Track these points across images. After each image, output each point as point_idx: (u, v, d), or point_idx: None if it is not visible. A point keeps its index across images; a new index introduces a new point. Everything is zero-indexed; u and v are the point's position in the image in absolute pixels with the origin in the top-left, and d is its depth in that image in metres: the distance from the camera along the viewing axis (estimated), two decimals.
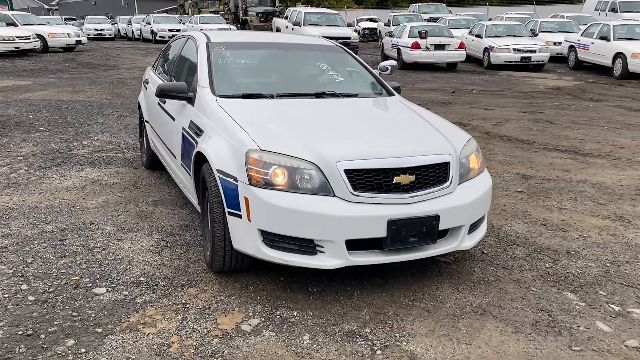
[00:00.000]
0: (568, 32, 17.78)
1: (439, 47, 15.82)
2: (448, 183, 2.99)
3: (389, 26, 24.48)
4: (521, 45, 15.94)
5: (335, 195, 2.77)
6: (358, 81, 4.35)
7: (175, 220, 4.07)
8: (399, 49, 16.51)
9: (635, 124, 8.29)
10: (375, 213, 2.76)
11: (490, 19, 23.92)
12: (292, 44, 4.59)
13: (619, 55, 13.99)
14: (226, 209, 2.89)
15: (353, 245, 2.78)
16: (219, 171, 2.94)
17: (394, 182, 2.83)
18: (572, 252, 3.64)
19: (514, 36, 16.73)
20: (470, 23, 21.14)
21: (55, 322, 2.66)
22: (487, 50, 16.42)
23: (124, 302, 2.88)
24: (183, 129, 3.69)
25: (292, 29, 19.08)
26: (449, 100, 10.60)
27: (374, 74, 4.41)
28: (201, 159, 3.23)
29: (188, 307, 2.84)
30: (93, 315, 2.74)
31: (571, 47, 16.26)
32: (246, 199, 2.78)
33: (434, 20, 24.23)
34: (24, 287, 3.00)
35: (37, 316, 2.71)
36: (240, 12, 27.51)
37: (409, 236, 2.81)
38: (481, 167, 3.32)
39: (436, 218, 2.85)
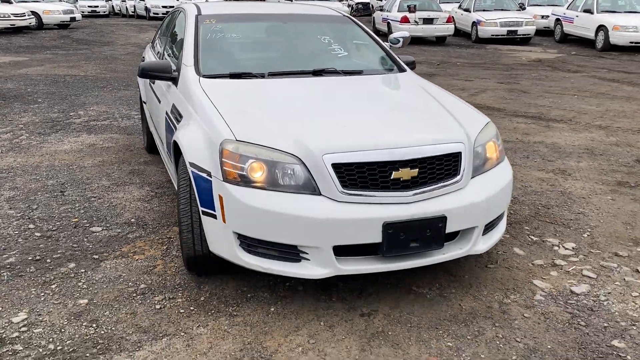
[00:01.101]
0: (556, 5, 18.05)
1: (428, 21, 16.14)
2: (458, 177, 2.57)
3: (382, 0, 24.69)
4: (508, 19, 16.25)
5: (321, 194, 2.39)
6: (365, 56, 3.91)
7: (164, 176, 4.54)
8: (388, 23, 16.83)
9: (604, 93, 8.73)
10: (368, 215, 2.36)
11: None
12: (292, 14, 4.10)
13: (601, 27, 14.33)
14: (200, 208, 2.56)
15: (343, 250, 2.42)
16: (192, 164, 2.59)
17: (392, 177, 2.42)
18: (512, 199, 4.14)
19: (502, 10, 17.03)
20: None
21: (58, 251, 3.16)
22: (475, 24, 16.72)
23: (117, 237, 3.38)
24: (166, 113, 3.36)
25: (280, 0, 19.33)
26: (432, 72, 11.00)
27: (384, 47, 3.94)
28: (179, 149, 2.87)
29: (172, 240, 3.33)
30: (90, 246, 3.24)
31: (557, 20, 16.57)
32: (220, 198, 2.44)
33: None
34: (31, 226, 3.50)
35: (43, 247, 3.21)
36: None
37: (410, 241, 2.42)
38: (500, 156, 2.88)
39: (442, 219, 2.45)
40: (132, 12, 28.61)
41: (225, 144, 2.48)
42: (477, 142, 2.72)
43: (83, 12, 26.54)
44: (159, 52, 4.49)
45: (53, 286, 2.77)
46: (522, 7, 18.13)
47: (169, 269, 2.97)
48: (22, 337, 2.36)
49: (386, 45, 4.05)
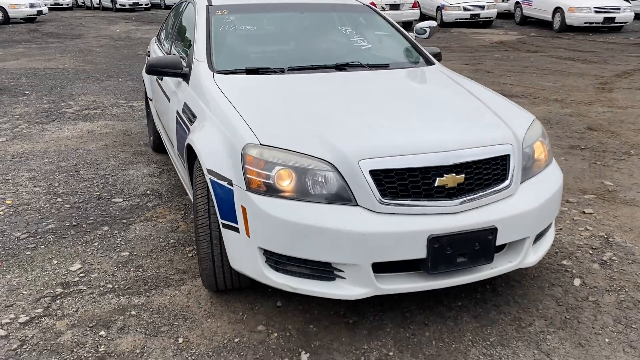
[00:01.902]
0: None
1: (394, 6, 16.68)
2: (507, 182, 2.34)
3: None
4: (471, 3, 16.94)
5: (358, 205, 2.16)
6: (390, 48, 3.66)
7: (166, 156, 4.97)
8: None
9: (560, 70, 9.45)
10: (412, 228, 2.13)
11: None
12: (309, 3, 3.86)
13: (557, 9, 15.16)
14: (220, 220, 2.33)
15: (381, 267, 2.20)
16: (211, 172, 2.35)
17: (436, 184, 2.19)
18: None
19: None
20: None
21: (90, 218, 3.60)
22: (439, 8, 17.37)
23: (138, 206, 3.82)
24: (177, 112, 3.12)
25: None
26: None
27: (409, 39, 3.72)
28: (193, 152, 2.65)
29: (188, 207, 3.79)
30: (117, 213, 3.68)
31: (517, 3, 17.36)
32: (243, 209, 2.20)
33: None
34: (59, 200, 3.91)
35: (76, 215, 3.64)
36: None
37: (457, 256, 2.19)
38: (548, 158, 2.64)
39: (492, 231, 2.21)
40: (97, 4, 28.31)
41: (248, 149, 2.23)
42: (525, 143, 2.46)
43: (46, 5, 26.19)
44: (166, 46, 4.26)
45: (95, 244, 3.22)
46: None
47: (191, 228, 3.44)
48: (82, 280, 2.82)
49: (411, 36, 3.84)
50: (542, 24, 16.44)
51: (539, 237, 2.53)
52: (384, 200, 2.16)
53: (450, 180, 2.21)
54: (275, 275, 2.24)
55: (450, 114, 2.59)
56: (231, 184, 2.27)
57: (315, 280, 2.21)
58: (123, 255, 3.09)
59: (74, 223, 3.51)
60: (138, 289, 2.74)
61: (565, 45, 12.63)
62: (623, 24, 14.72)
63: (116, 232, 3.40)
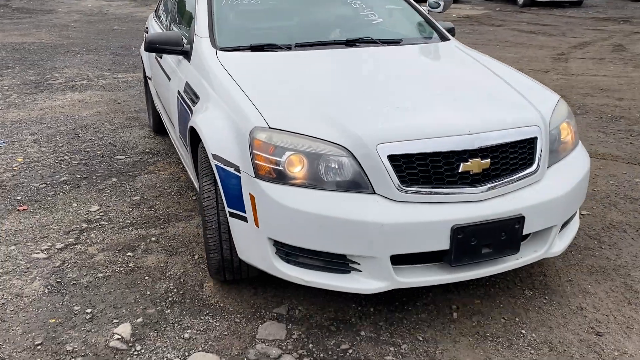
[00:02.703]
0: None
1: None
2: (535, 167, 2.21)
3: None
4: None
5: (375, 193, 2.03)
6: (402, 22, 3.47)
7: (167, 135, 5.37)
8: None
9: (522, 43, 10.05)
10: (434, 217, 2.00)
11: None
12: None
13: None
14: (227, 209, 2.21)
15: (400, 258, 2.07)
16: (216, 157, 2.22)
17: (460, 170, 2.05)
18: None
19: None
20: None
21: (98, 172, 4.01)
22: None
23: (140, 161, 4.24)
24: (178, 92, 2.98)
25: None
26: None
27: (422, 12, 3.54)
28: (197, 134, 2.51)
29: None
30: (122, 167, 4.10)
31: None
32: (252, 197, 2.08)
33: None
34: (66, 157, 4.30)
35: (84, 170, 4.05)
36: None
37: (482, 246, 2.07)
38: (575, 140, 2.51)
39: (520, 220, 2.09)
40: None
41: (256, 132, 2.10)
42: (551, 124, 2.33)
43: None
44: (165, 22, 4.09)
45: (108, 191, 3.66)
46: None
47: (192, 181, 3.89)
48: (103, 218, 3.26)
49: (424, 9, 3.70)
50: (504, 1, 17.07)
51: (564, 224, 2.38)
52: (403, 187, 2.01)
53: (475, 165, 2.05)
54: (287, 268, 2.12)
55: (473, 94, 2.44)
56: (238, 171, 2.13)
57: (329, 272, 2.09)
58: (135, 199, 3.53)
59: (85, 175, 3.93)
60: (153, 223, 3.20)
61: (528, 20, 13.26)
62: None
63: (124, 182, 3.83)
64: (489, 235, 2.05)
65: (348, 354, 2.14)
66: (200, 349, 2.15)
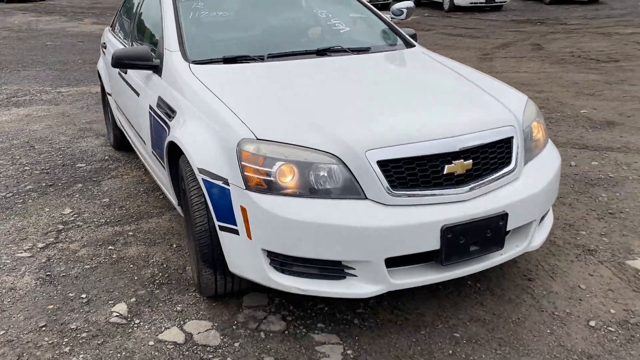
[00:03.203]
0: None
1: None
2: (513, 165, 2.31)
3: None
4: None
5: (367, 198, 2.08)
6: (367, 30, 3.52)
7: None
8: None
9: (450, 45, 10.76)
10: (425, 219, 2.07)
11: None
12: None
13: None
14: (216, 222, 2.20)
15: (393, 261, 2.12)
16: (203, 171, 2.22)
17: (445, 172, 2.13)
18: None
19: None
20: None
21: (63, 179, 4.14)
22: None
23: (101, 168, 4.39)
24: (150, 107, 2.96)
25: None
26: None
27: (386, 20, 3.61)
28: (176, 149, 2.53)
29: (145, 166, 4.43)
30: (85, 174, 4.24)
31: None
32: (243, 209, 2.10)
33: None
34: (27, 168, 4.39)
35: (48, 178, 4.16)
36: None
37: (470, 244, 2.15)
38: (545, 138, 2.63)
39: (504, 217, 2.18)
40: None
41: (243, 144, 2.11)
42: (524, 123, 2.43)
43: None
44: (126, 37, 3.99)
45: (76, 196, 3.80)
46: None
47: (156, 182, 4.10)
48: (77, 219, 3.43)
49: (387, 17, 3.74)
50: (434, 5, 18.03)
51: (542, 218, 2.51)
52: (393, 191, 2.07)
53: (459, 166, 2.14)
54: (282, 278, 2.13)
55: (448, 98, 2.54)
56: (227, 183, 2.14)
57: (325, 280, 2.12)
58: (104, 201, 3.71)
59: (50, 183, 4.05)
60: (127, 220, 3.40)
61: (454, 24, 14.12)
62: (502, 4, 16.58)
63: (90, 187, 3.98)
64: (476, 233, 2.13)
65: (324, 311, 2.46)
66: (194, 317, 2.41)
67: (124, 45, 3.83)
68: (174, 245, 3.06)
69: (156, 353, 2.20)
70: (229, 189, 2.13)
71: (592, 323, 2.35)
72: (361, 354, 2.19)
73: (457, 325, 2.34)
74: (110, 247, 3.06)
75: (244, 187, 2.09)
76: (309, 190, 2.06)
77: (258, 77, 2.74)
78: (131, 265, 2.86)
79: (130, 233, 3.23)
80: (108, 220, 3.40)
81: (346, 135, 2.11)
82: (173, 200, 2.85)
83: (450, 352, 2.20)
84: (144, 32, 3.59)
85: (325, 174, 2.07)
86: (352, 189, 2.07)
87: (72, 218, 3.44)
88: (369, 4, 3.74)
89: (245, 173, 2.08)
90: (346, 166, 2.06)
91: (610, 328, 2.32)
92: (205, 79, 2.61)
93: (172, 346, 2.23)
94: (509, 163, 2.30)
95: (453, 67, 3.03)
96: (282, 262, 2.12)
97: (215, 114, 2.33)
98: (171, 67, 2.83)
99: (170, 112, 2.65)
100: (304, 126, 2.19)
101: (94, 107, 6.34)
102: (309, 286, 2.11)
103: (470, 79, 2.81)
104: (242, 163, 2.10)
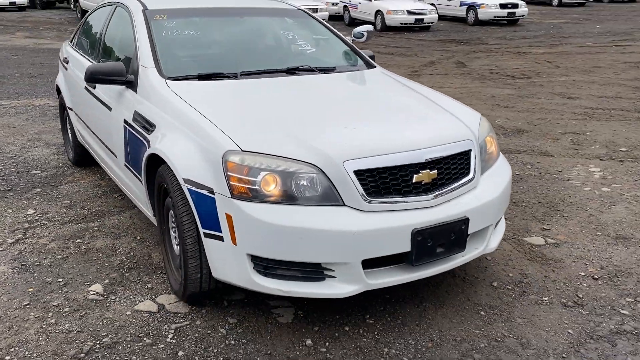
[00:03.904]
0: None
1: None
2: (472, 175, 2.56)
3: None
4: (306, 6, 18.86)
5: (345, 205, 2.26)
6: (332, 51, 3.77)
7: (61, 137, 5.67)
8: None
9: (383, 63, 11.41)
10: (397, 223, 2.27)
11: None
12: (247, 8, 3.92)
13: (378, 12, 17.70)
14: (201, 230, 2.34)
15: (368, 263, 2.30)
16: (188, 181, 2.36)
17: (413, 181, 2.34)
18: None
19: None
20: None
21: (20, 185, 4.33)
22: None
23: (57, 174, 4.61)
24: (125, 122, 3.05)
25: None
26: None
27: (348, 42, 3.85)
28: (156, 160, 2.68)
29: (102, 174, 4.67)
30: (42, 180, 4.46)
31: (345, 7, 19.69)
32: (228, 217, 2.24)
33: None
34: None
35: (5, 184, 4.34)
36: None
37: (437, 247, 2.37)
38: (497, 151, 2.91)
39: (465, 221, 2.41)
40: None
41: (229, 155, 2.27)
42: (479, 138, 2.69)
43: None
44: (91, 52, 4.06)
45: (37, 198, 4.03)
46: None
47: (115, 185, 4.38)
48: (42, 218, 3.67)
49: (348, 39, 3.98)
50: (366, 24, 18.96)
51: (496, 224, 2.75)
52: (369, 198, 2.26)
53: (425, 176, 2.36)
54: (265, 281, 2.27)
55: (413, 115, 2.78)
56: (212, 192, 2.28)
57: (306, 282, 2.27)
58: (65, 202, 3.96)
59: (8, 188, 4.24)
60: (90, 218, 3.68)
61: (386, 43, 15.01)
62: (430, 24, 17.71)
63: (49, 191, 4.21)
64: (442, 236, 2.35)
65: None
66: (164, 293, 2.76)
67: (90, 61, 3.91)
68: (138, 238, 3.39)
69: (134, 320, 2.54)
70: (214, 198, 2.27)
71: (495, 284, 2.90)
72: (309, 313, 2.62)
73: (387, 289, 2.82)
74: (78, 240, 3.35)
75: (230, 196, 2.23)
76: (291, 198, 2.23)
77: (234, 93, 2.89)
78: (100, 255, 3.17)
79: (95, 228, 3.52)
80: (72, 219, 3.67)
81: (325, 147, 2.29)
82: (147, 211, 2.98)
83: (382, 308, 2.67)
84: (113, 49, 3.70)
85: (307, 183, 2.24)
86: (331, 197, 2.25)
87: (37, 217, 3.69)
88: (331, 27, 4.03)
89: (231, 182, 2.23)
90: (326, 175, 2.24)
91: (507, 287, 2.88)
92: (183, 94, 2.75)
93: (147, 314, 2.58)
94: (468, 173, 2.55)
95: (412, 86, 3.29)
96: (265, 265, 2.27)
97: (198, 127, 2.46)
98: (147, 83, 2.96)
99: (149, 126, 2.77)
100: (284, 139, 2.35)
101: (39, 119, 6.48)
102: (291, 288, 2.26)
103: (429, 97, 3.07)
104: (228, 173, 2.24)
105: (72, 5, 22.59)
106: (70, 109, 4.46)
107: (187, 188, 2.37)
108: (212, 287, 2.53)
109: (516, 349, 2.39)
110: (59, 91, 4.84)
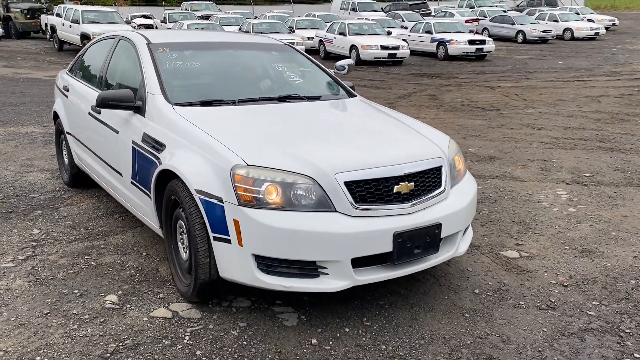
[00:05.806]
0: (318, 28, 21.97)
1: None
2: (443, 187, 2.96)
3: (166, 23, 26.25)
4: (285, 40, 19.38)
5: (336, 211, 2.64)
6: (315, 82, 4.19)
7: (54, 165, 5.84)
8: None
9: (360, 94, 11.96)
10: (381, 227, 2.66)
11: (256, 17, 27.39)
12: (240, 43, 4.35)
13: (353, 47, 18.32)
14: (211, 234, 2.68)
15: (357, 262, 2.67)
16: (200, 192, 2.70)
17: (394, 191, 2.75)
18: None
19: (276, 32, 20.19)
20: (239, 20, 24.23)
21: (21, 207, 4.49)
22: None
23: (55, 197, 4.78)
24: (134, 142, 3.35)
25: (70, 26, 19.68)
26: None
27: (330, 74, 4.26)
28: (165, 176, 3.02)
29: (100, 197, 4.86)
30: (42, 203, 4.62)
31: (321, 41, 20.33)
32: (236, 222, 2.59)
33: (206, 17, 26.80)
34: None
35: (6, 207, 4.49)
36: (2, 8, 26.25)
37: (414, 248, 2.74)
38: (465, 169, 3.32)
39: (438, 226, 2.80)
40: None
41: (236, 169, 2.62)
42: (449, 156, 3.11)
43: None
44: (93, 81, 4.35)
45: (39, 219, 4.20)
46: (292, 30, 21.63)
47: (113, 206, 4.57)
48: (48, 237, 3.84)
49: (331, 72, 4.41)
50: (342, 59, 19.57)
51: (465, 231, 3.17)
52: (357, 205, 2.65)
53: (404, 187, 2.76)
54: (268, 278, 2.63)
55: (392, 136, 3.19)
56: (221, 201, 2.63)
57: (303, 278, 2.63)
58: (68, 223, 4.14)
59: (10, 210, 4.39)
60: (95, 237, 3.87)
61: (361, 76, 15.56)
62: (402, 59, 18.42)
63: (50, 213, 4.38)
64: (419, 238, 2.74)
65: (280, 293, 3.12)
66: (176, 301, 2.97)
67: (94, 89, 4.19)
68: (144, 254, 3.59)
69: (151, 325, 2.74)
70: (223, 205, 2.63)
71: (476, 291, 3.21)
72: (312, 318, 2.87)
73: (381, 297, 3.09)
74: (86, 256, 3.53)
75: (237, 204, 2.59)
76: (291, 205, 2.60)
77: (235, 117, 3.26)
78: (110, 269, 3.36)
79: (102, 246, 3.71)
80: (77, 238, 3.85)
81: (319, 162, 2.69)
82: (153, 224, 3.28)
83: (377, 312, 2.94)
84: (117, 78, 4.03)
85: (304, 192, 2.62)
86: (324, 204, 2.63)
87: (43, 236, 3.85)
88: (315, 61, 4.45)
89: (238, 192, 2.60)
90: (320, 186, 2.62)
91: (488, 293, 3.19)
92: (190, 117, 3.12)
93: (163, 320, 2.79)
94: (440, 185, 2.97)
95: (389, 112, 3.76)
96: (268, 264, 2.62)
97: (207, 145, 2.83)
98: (155, 108, 3.31)
99: (159, 146, 3.10)
100: (283, 155, 2.74)
101: (28, 146, 6.62)
102: (290, 283, 2.63)
103: (404, 122, 3.51)
104: (235, 184, 2.61)
105: (48, 36, 22.71)
106: (69, 134, 4.72)
107: (199, 198, 2.71)
108: (216, 278, 2.80)
109: (498, 345, 2.69)
110: (55, 117, 5.06)
